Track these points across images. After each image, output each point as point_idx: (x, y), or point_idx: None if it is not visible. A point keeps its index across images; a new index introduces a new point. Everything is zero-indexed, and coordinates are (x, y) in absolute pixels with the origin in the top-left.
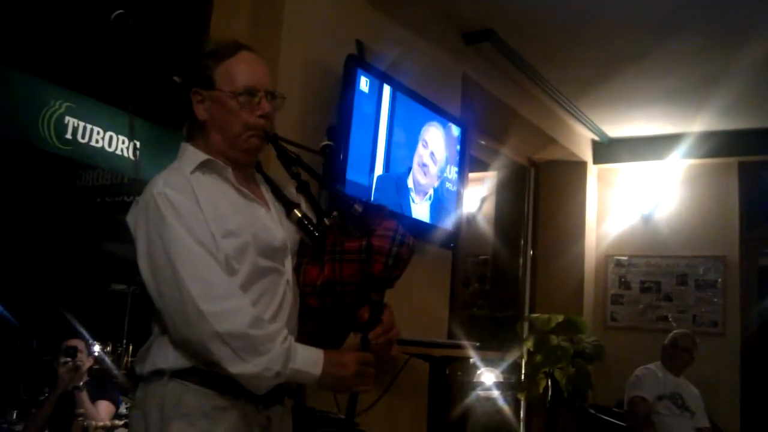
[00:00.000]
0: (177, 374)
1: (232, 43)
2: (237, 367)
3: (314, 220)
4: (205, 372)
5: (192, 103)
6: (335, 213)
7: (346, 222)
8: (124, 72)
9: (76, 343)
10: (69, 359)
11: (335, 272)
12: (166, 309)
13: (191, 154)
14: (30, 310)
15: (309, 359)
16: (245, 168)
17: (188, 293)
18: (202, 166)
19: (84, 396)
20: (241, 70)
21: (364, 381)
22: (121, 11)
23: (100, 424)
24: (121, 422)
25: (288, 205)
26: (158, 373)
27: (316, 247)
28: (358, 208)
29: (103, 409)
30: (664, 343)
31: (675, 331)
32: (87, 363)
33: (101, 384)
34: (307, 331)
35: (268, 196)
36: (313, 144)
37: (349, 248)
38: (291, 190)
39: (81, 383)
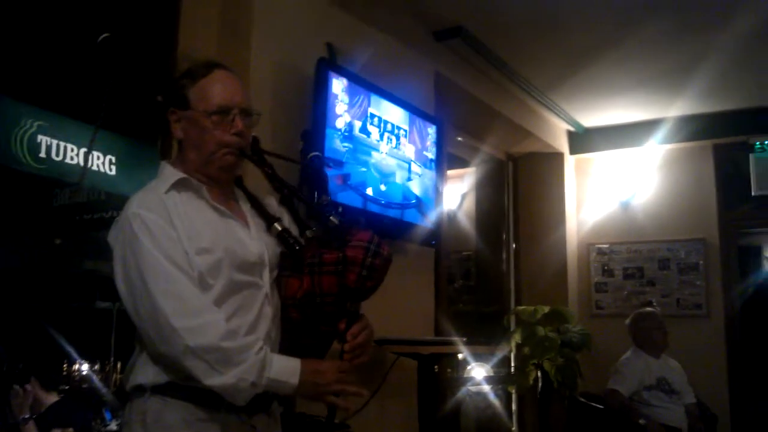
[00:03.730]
0: (157, 390)
1: (207, 62)
2: (212, 380)
3: (297, 233)
4: (183, 387)
5: (169, 123)
6: (313, 227)
7: (326, 234)
8: (100, 91)
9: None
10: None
11: (315, 284)
12: (141, 326)
13: (168, 174)
14: (13, 333)
15: (286, 368)
16: (223, 185)
17: (161, 310)
18: (177, 185)
19: (30, 428)
20: (215, 89)
21: (342, 389)
22: (107, 34)
23: None
24: None
25: (268, 220)
26: (140, 389)
27: (295, 260)
28: (334, 220)
29: None
30: (629, 324)
31: (637, 313)
32: (29, 398)
33: (66, 408)
34: (291, 344)
35: (247, 211)
36: (288, 150)
37: (328, 260)
38: (273, 204)
39: (27, 415)
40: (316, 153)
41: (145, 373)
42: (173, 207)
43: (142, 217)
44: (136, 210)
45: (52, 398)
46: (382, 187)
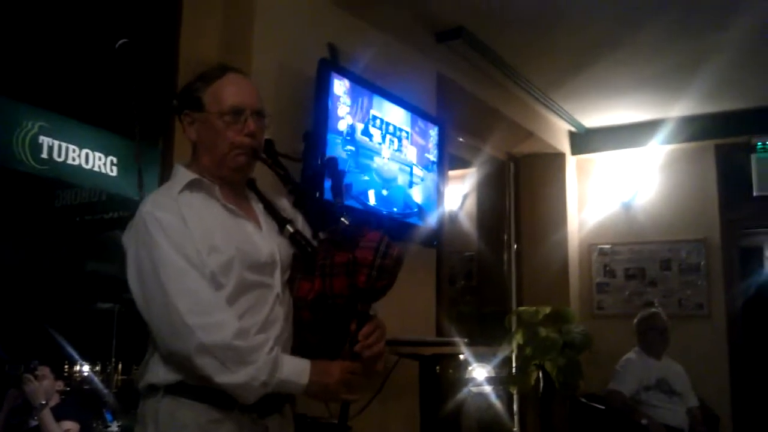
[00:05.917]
0: (170, 390)
1: (221, 66)
2: (224, 377)
3: (310, 235)
4: (195, 387)
5: (183, 125)
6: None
7: (338, 235)
8: (127, 99)
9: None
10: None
11: (326, 286)
12: (154, 323)
13: (181, 175)
14: (15, 334)
15: (295, 369)
16: (236, 186)
17: (175, 307)
18: (190, 185)
19: (47, 414)
20: (228, 91)
21: (350, 390)
22: (125, 40)
23: None
24: None
25: (281, 221)
26: (152, 389)
27: (307, 262)
28: (345, 221)
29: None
30: (634, 325)
31: (640, 314)
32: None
33: (68, 404)
34: (303, 344)
35: (260, 212)
36: (289, 152)
37: (338, 262)
38: (286, 206)
39: (43, 401)
40: (332, 156)
41: (157, 372)
42: (186, 207)
43: (156, 216)
44: (150, 209)
45: (60, 387)
46: (384, 192)
